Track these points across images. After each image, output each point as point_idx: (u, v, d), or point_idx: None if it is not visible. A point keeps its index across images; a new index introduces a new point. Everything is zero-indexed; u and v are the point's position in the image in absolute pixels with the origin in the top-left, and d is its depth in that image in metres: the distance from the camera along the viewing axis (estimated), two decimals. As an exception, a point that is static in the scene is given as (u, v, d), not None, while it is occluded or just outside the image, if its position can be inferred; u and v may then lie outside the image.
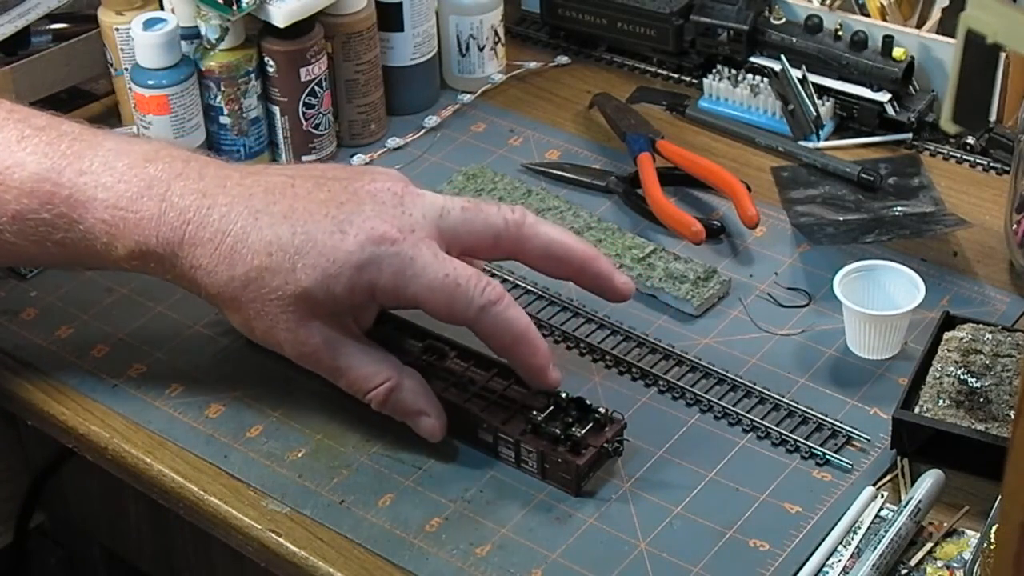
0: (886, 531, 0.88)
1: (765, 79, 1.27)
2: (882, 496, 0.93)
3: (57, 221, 0.95)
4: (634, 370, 1.03)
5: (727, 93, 1.29)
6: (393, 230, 0.92)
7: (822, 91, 1.25)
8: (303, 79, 1.19)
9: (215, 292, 0.95)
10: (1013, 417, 0.89)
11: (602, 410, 0.94)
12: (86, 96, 1.30)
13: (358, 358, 0.95)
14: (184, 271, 0.95)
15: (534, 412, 0.94)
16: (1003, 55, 1.03)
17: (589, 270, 0.98)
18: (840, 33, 1.25)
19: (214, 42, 1.17)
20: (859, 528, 0.91)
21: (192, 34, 1.18)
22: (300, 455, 0.97)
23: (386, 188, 0.94)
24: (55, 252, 0.97)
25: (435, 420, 0.96)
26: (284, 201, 0.94)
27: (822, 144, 1.24)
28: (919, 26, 1.27)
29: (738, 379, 1.01)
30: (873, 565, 0.86)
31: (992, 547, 0.82)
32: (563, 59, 1.38)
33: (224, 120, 1.19)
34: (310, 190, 0.94)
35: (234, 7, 1.15)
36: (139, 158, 0.95)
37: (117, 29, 1.21)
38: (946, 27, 1.25)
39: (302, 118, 1.21)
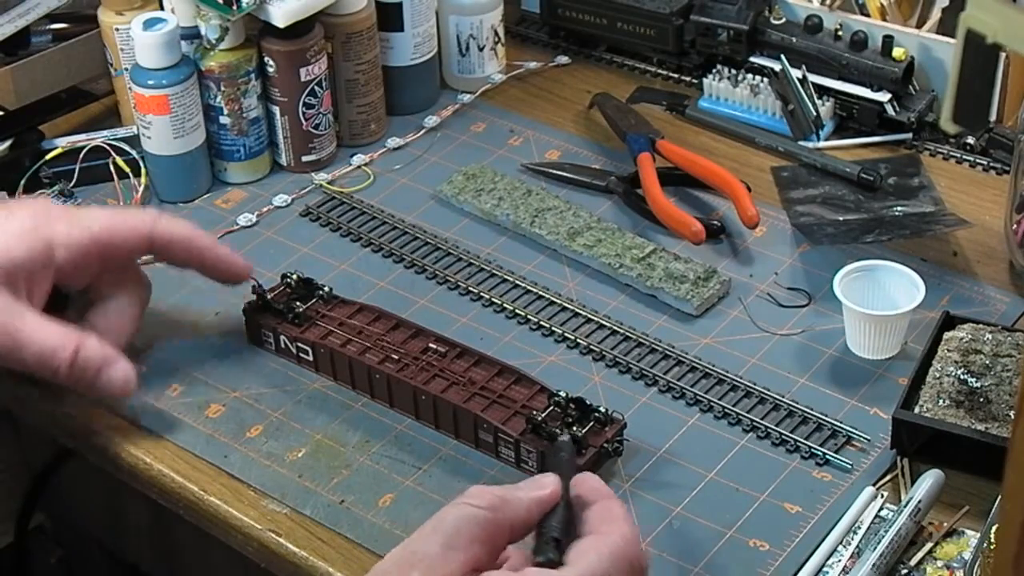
0: (886, 531, 0.88)
1: (765, 79, 1.27)
2: (882, 496, 0.92)
3: None
4: (634, 370, 1.03)
5: (727, 93, 1.29)
6: None
7: (822, 91, 1.25)
8: (303, 79, 1.19)
9: None
10: (1013, 417, 0.89)
11: (602, 410, 0.94)
12: (86, 96, 1.30)
13: (41, 328, 0.94)
14: None
15: (534, 412, 0.94)
16: (1003, 55, 1.03)
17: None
18: (840, 33, 1.25)
19: (214, 42, 1.17)
20: (859, 528, 0.91)
21: (192, 34, 1.18)
22: (300, 455, 0.97)
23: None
24: None
25: (126, 365, 0.95)
26: None
27: (822, 144, 1.24)
28: (919, 26, 1.27)
29: (738, 379, 1.01)
30: (873, 565, 0.86)
31: (992, 547, 0.82)
32: (563, 59, 1.38)
33: (224, 120, 1.19)
34: None
35: (234, 7, 1.15)
36: None
37: (117, 29, 1.21)
38: (946, 27, 1.25)
39: (302, 118, 1.21)
